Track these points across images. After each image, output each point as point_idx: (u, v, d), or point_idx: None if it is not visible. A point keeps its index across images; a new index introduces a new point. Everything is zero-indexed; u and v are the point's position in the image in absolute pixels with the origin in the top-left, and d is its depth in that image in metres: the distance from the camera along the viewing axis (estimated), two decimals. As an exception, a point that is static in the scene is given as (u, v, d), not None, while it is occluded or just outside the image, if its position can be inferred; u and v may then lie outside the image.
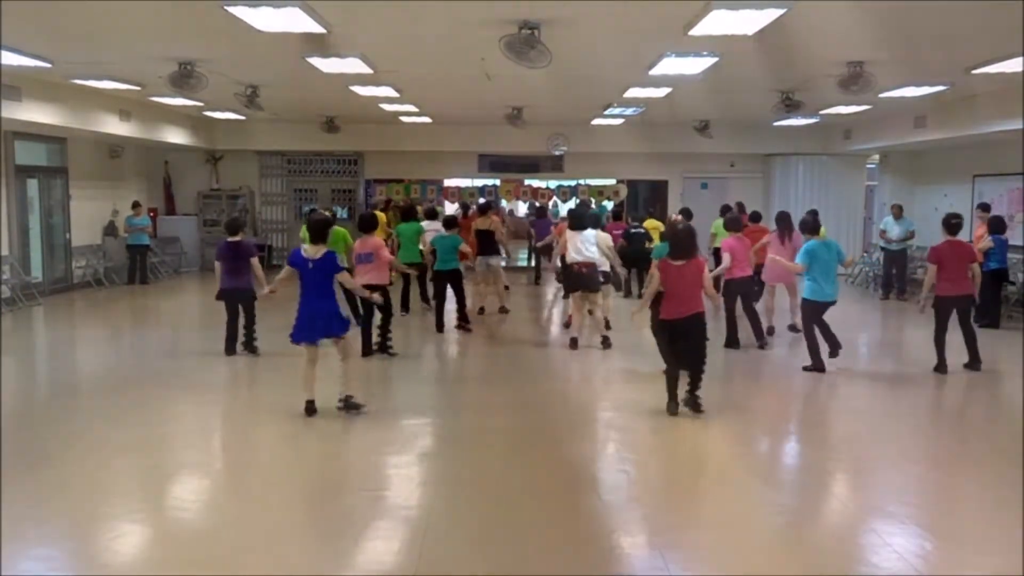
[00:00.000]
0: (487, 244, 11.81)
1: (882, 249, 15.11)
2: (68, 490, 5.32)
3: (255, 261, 9.12)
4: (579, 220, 9.99)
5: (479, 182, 20.47)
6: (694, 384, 6.97)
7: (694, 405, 6.95)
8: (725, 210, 13.50)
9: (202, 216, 18.71)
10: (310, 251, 6.93)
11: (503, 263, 12.68)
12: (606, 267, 10.20)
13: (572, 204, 18.02)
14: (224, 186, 19.13)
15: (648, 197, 20.71)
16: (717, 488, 5.62)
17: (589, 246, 9.67)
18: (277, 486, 5.53)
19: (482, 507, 5.12)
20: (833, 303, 8.69)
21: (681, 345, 6.97)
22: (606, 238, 10.44)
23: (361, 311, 9.43)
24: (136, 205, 16.27)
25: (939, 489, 5.62)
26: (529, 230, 17.71)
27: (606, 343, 9.85)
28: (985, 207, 12.25)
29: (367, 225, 9.13)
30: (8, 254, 13.09)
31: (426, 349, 10.39)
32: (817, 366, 8.62)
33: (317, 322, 6.84)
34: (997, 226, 11.48)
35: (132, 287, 15.63)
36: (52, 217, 14.56)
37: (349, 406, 6.92)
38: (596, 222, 10.73)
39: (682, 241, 7.00)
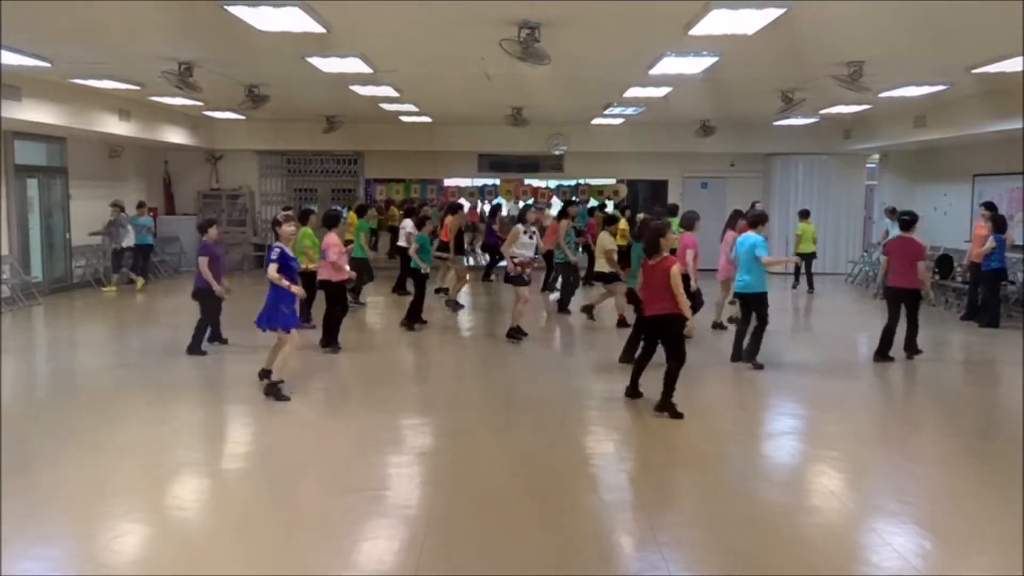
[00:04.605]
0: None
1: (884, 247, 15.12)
2: (68, 490, 5.33)
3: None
4: (522, 215, 10.63)
5: (479, 182, 20.48)
6: (665, 388, 6.98)
7: (670, 410, 6.94)
8: (673, 209, 13.68)
9: (202, 216, 18.69)
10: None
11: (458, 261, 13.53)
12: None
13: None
14: (224, 186, 19.14)
15: (648, 197, 20.72)
16: (716, 487, 5.61)
17: (522, 244, 10.17)
18: (276, 486, 5.53)
19: (481, 507, 5.12)
20: (747, 295, 8.83)
21: (655, 342, 7.21)
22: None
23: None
24: (141, 205, 16.29)
25: (939, 489, 5.61)
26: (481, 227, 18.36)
27: (514, 336, 10.16)
28: (989, 206, 12.18)
29: (328, 222, 9.53)
30: (8, 254, 13.09)
31: (409, 346, 10.42)
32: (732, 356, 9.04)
33: (264, 310, 7.44)
34: (999, 225, 11.49)
35: (132, 287, 15.61)
36: (52, 217, 14.57)
37: (269, 388, 7.40)
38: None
39: (649, 239, 7.17)
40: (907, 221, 9.19)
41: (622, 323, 11.08)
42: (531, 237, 10.27)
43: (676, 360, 6.99)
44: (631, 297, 9.00)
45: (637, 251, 8.78)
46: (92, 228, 15.68)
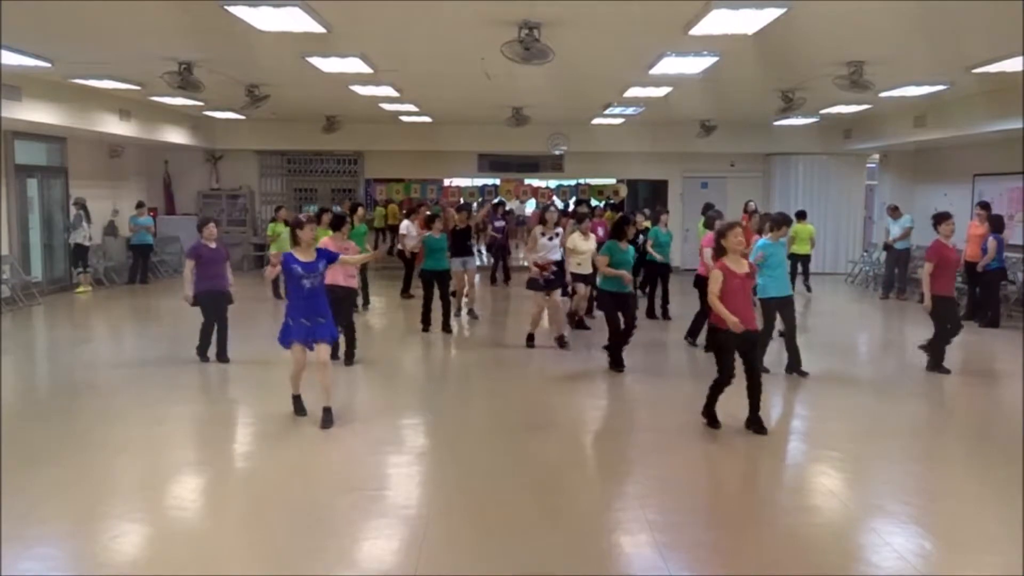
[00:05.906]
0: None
1: (884, 248, 15.12)
2: (68, 490, 5.33)
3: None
4: (541, 217, 10.53)
5: (479, 182, 20.49)
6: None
7: (754, 426, 6.67)
8: (707, 208, 13.61)
9: (202, 216, 18.68)
10: None
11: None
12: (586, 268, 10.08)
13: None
14: (224, 186, 19.15)
15: (648, 197, 20.74)
16: (716, 488, 5.61)
17: (543, 247, 10.00)
18: (276, 486, 5.53)
19: (481, 507, 5.12)
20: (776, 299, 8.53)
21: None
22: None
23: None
24: (140, 205, 16.30)
25: (939, 489, 5.62)
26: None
27: (562, 343, 9.90)
28: (984, 205, 12.19)
29: (332, 224, 9.05)
30: (8, 254, 13.10)
31: (412, 349, 10.40)
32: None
33: None
34: (997, 225, 11.49)
35: (132, 287, 15.64)
36: (52, 217, 14.56)
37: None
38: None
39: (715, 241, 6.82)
40: (932, 221, 8.99)
41: (580, 324, 10.96)
42: (551, 239, 10.08)
43: (719, 373, 6.65)
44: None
45: (608, 250, 8.63)
46: (92, 228, 15.67)
